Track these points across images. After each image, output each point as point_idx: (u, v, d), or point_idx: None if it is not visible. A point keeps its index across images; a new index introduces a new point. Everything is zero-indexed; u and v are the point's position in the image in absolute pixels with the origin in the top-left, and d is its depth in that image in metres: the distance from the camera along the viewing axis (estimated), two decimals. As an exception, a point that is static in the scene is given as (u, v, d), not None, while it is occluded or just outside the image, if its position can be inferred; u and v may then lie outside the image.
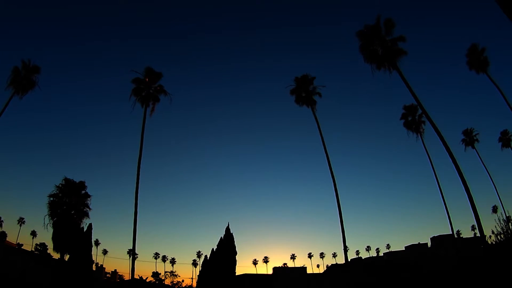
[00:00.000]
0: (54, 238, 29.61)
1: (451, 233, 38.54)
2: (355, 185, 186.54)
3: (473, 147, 46.37)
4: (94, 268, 48.27)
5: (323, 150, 31.93)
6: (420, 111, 34.40)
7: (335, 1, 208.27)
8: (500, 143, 47.87)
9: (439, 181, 36.81)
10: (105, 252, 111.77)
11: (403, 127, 37.89)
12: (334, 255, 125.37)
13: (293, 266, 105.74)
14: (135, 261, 30.40)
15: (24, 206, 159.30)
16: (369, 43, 26.49)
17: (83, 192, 32.08)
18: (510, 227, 18.22)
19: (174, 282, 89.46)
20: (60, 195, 31.05)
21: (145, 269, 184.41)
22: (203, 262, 46.48)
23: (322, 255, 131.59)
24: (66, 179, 31.77)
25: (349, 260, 36.55)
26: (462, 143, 46.66)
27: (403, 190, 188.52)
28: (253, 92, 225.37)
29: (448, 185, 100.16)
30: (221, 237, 40.64)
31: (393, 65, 25.40)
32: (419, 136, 37.34)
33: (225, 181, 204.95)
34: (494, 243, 18.77)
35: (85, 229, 32.93)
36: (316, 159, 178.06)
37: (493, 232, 18.63)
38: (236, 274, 40.77)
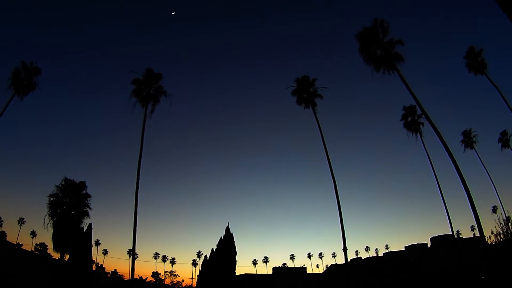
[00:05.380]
0: (54, 238, 29.49)
1: (451, 233, 38.54)
2: (355, 185, 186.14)
3: (472, 148, 46.48)
4: (94, 268, 48.24)
5: (324, 150, 32.05)
6: (419, 112, 34.49)
7: (339, 1, 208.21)
8: (500, 144, 47.96)
9: (439, 181, 36.85)
10: (105, 252, 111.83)
11: (403, 128, 38.12)
12: (334, 255, 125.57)
13: (293, 266, 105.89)
14: (135, 261, 30.45)
15: (24, 206, 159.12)
16: (368, 45, 26.80)
17: (83, 192, 32.02)
18: (510, 227, 18.25)
19: (174, 282, 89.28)
20: (60, 195, 30.98)
21: (145, 269, 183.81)
22: (203, 262, 46.52)
23: (321, 255, 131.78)
24: (66, 179, 31.67)
25: (348, 260, 36.60)
26: (462, 144, 46.81)
27: (403, 190, 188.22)
28: (253, 92, 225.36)
29: (448, 185, 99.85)
30: (221, 237, 40.67)
31: (391, 67, 25.61)
32: (419, 137, 37.48)
33: (225, 181, 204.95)
34: (494, 243, 18.82)
35: (85, 229, 32.90)
36: (317, 159, 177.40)
37: (492, 233, 18.68)
38: (236, 274, 40.78)
